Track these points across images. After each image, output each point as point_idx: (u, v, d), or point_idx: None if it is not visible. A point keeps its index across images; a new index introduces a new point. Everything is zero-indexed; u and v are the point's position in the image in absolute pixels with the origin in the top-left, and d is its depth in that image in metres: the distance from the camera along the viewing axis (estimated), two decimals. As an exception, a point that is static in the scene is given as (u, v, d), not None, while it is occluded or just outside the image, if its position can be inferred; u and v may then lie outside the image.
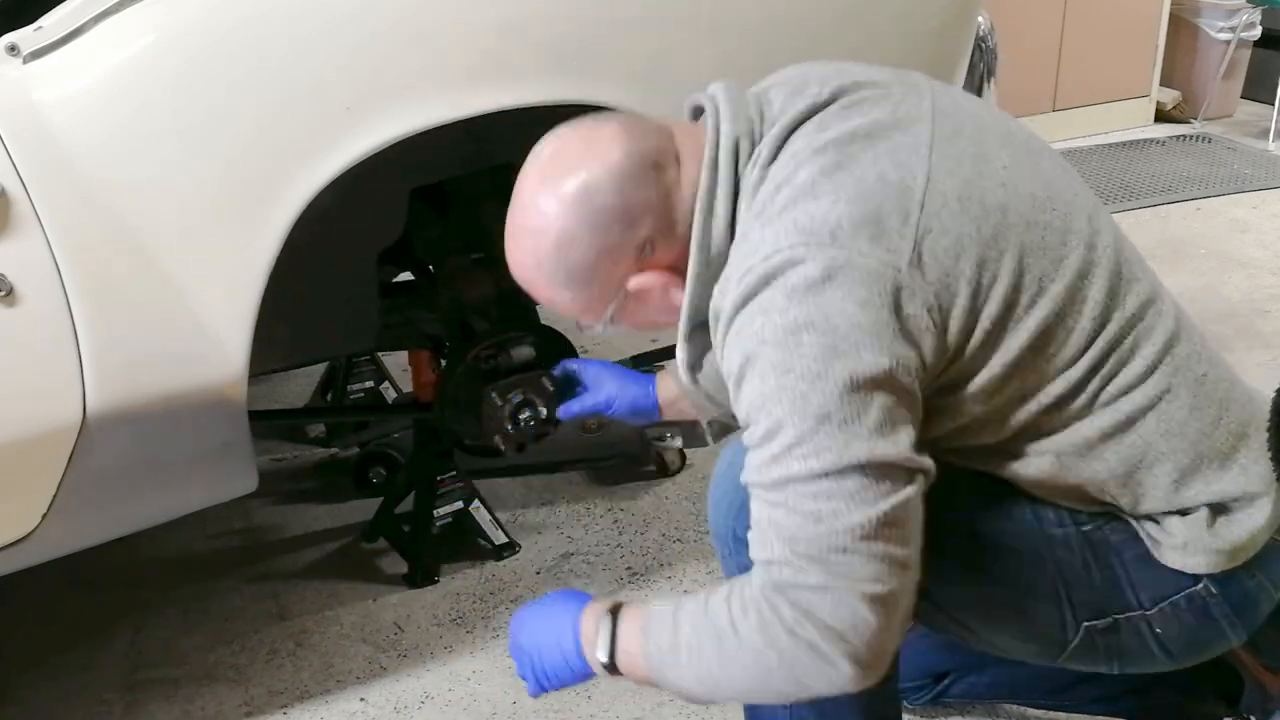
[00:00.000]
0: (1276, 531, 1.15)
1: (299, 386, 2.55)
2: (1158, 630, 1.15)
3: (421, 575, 1.98)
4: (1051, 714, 1.61)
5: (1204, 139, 4.18)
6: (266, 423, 2.26)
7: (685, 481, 2.25)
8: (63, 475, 1.36)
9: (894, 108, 1.08)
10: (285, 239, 1.38)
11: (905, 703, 1.59)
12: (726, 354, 1.03)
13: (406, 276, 2.09)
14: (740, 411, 1.02)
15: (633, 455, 2.24)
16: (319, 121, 1.38)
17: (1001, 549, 1.15)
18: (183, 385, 1.38)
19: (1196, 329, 1.16)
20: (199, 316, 1.37)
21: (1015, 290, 1.03)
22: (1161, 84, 4.33)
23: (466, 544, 2.02)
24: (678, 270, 1.11)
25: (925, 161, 1.03)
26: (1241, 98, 4.41)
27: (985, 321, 1.03)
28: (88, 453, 1.35)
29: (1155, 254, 3.24)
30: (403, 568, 2.00)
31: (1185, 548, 1.11)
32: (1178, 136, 4.22)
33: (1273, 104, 4.08)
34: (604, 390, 1.54)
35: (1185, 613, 1.14)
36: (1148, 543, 1.13)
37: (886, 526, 0.95)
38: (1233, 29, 4.17)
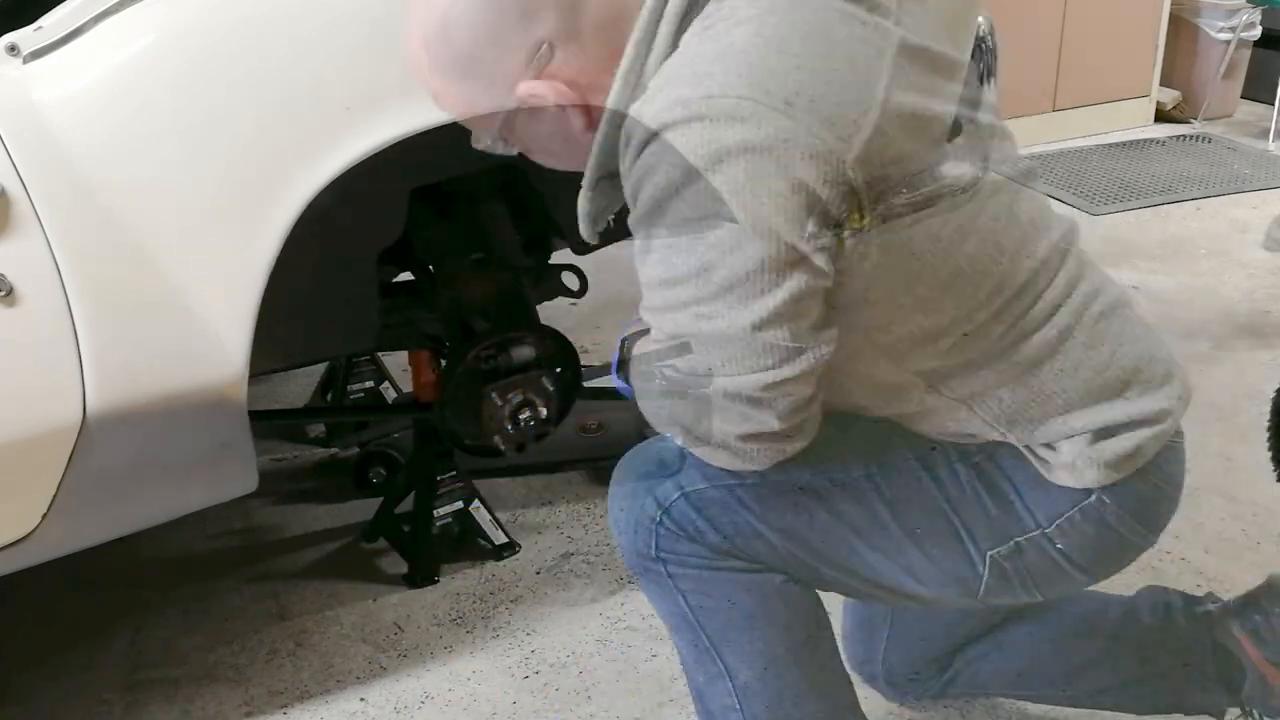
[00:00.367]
0: (1175, 435, 1.16)
1: (299, 386, 2.55)
2: (1059, 546, 1.16)
3: (421, 575, 1.98)
4: (1052, 714, 1.62)
5: (1204, 139, 4.18)
6: (266, 423, 2.25)
7: (685, 481, 2.25)
8: (63, 475, 1.36)
9: None
10: (285, 239, 1.38)
11: (911, 697, 1.60)
12: (634, 176, 0.97)
13: (406, 276, 2.09)
14: (637, 235, 0.99)
15: (633, 455, 2.24)
16: (319, 121, 1.38)
17: (897, 504, 1.17)
18: (183, 385, 1.38)
19: (1095, 265, 1.16)
20: (199, 317, 1.37)
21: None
22: (1161, 84, 4.33)
23: (466, 544, 2.02)
24: (576, 88, 1.02)
25: (891, 66, 0.97)
26: (1241, 98, 4.41)
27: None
28: (88, 453, 1.35)
29: (1155, 254, 3.24)
30: (403, 568, 2.00)
31: (1073, 466, 1.12)
32: (1178, 136, 4.22)
33: (1273, 104, 4.07)
34: None
35: (1083, 525, 1.14)
36: (1037, 464, 1.14)
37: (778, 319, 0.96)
38: (1233, 29, 4.16)
